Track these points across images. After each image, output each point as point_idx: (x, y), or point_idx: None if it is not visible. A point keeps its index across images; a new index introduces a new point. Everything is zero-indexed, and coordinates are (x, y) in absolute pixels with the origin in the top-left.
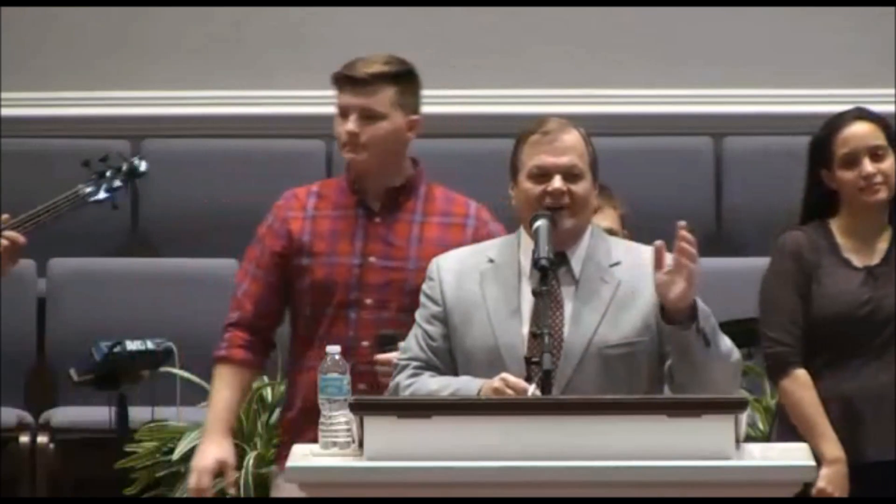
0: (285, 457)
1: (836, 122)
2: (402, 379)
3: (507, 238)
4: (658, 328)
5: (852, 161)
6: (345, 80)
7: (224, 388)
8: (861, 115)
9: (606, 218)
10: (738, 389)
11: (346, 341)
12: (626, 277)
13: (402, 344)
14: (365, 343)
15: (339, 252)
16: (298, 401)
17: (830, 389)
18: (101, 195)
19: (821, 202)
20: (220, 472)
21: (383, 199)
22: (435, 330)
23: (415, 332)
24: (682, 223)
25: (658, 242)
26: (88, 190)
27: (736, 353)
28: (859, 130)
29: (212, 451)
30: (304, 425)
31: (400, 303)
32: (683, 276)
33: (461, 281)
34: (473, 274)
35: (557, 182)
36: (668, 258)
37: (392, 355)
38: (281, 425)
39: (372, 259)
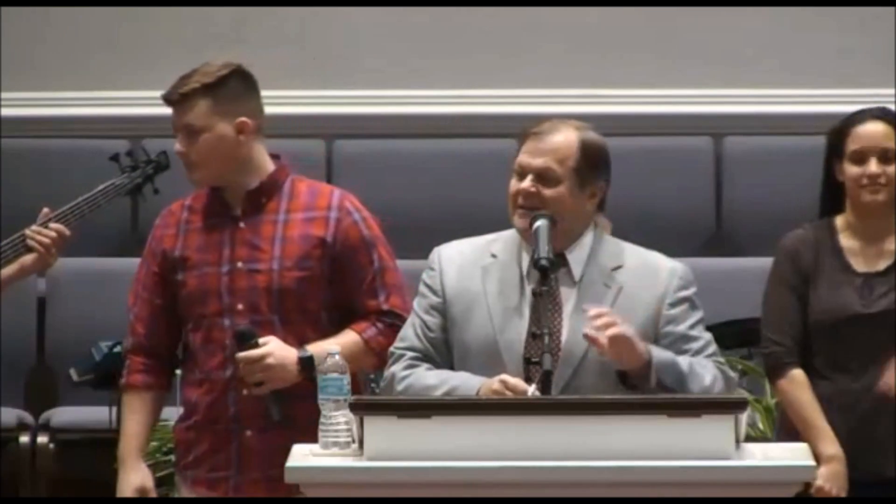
0: (185, 466)
1: (855, 117)
2: (397, 370)
3: (511, 233)
4: (656, 337)
5: (860, 158)
6: (166, 103)
7: (131, 415)
8: (881, 115)
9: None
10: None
11: (224, 350)
12: (630, 283)
13: (269, 338)
14: None
15: (209, 262)
16: (192, 413)
17: (830, 393)
18: (136, 183)
19: (833, 194)
20: (142, 496)
21: (244, 202)
22: (433, 321)
23: (412, 321)
24: (587, 312)
25: (586, 332)
26: (123, 182)
27: (717, 386)
28: (874, 130)
29: (130, 480)
30: (196, 436)
31: (269, 304)
32: (619, 343)
33: (463, 274)
34: (475, 268)
35: (525, 182)
36: (602, 338)
37: (253, 352)
38: (174, 433)
39: (239, 264)
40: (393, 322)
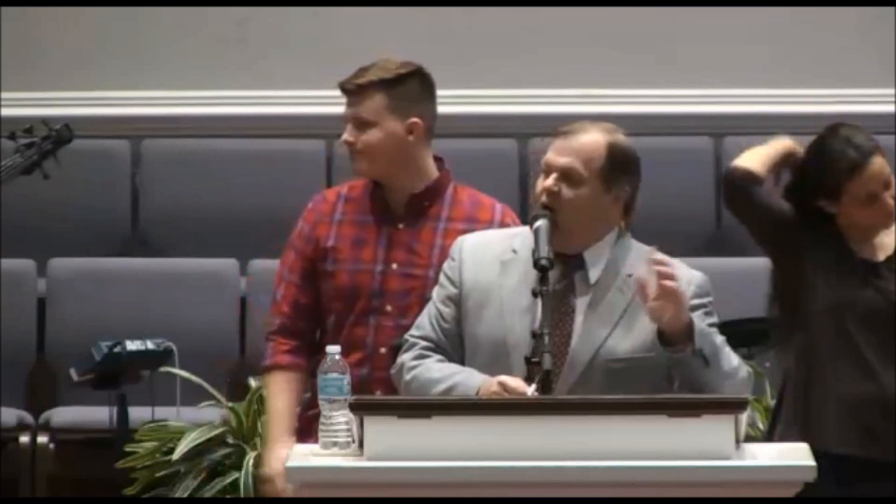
0: None
1: (850, 164)
2: (407, 359)
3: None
4: None
5: (874, 199)
6: (342, 91)
7: (278, 394)
8: (869, 150)
9: None
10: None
11: (365, 348)
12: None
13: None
14: (383, 350)
15: (362, 259)
16: (317, 403)
17: (834, 388)
18: (33, 160)
19: (818, 222)
20: None
21: (406, 205)
22: (448, 311)
23: (429, 309)
24: (649, 249)
25: (638, 274)
26: (16, 162)
27: (743, 371)
28: (877, 169)
29: (280, 454)
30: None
31: (420, 310)
32: (670, 298)
33: (481, 266)
34: (495, 262)
35: (550, 180)
36: (652, 285)
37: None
38: (298, 421)
39: (394, 266)
40: None
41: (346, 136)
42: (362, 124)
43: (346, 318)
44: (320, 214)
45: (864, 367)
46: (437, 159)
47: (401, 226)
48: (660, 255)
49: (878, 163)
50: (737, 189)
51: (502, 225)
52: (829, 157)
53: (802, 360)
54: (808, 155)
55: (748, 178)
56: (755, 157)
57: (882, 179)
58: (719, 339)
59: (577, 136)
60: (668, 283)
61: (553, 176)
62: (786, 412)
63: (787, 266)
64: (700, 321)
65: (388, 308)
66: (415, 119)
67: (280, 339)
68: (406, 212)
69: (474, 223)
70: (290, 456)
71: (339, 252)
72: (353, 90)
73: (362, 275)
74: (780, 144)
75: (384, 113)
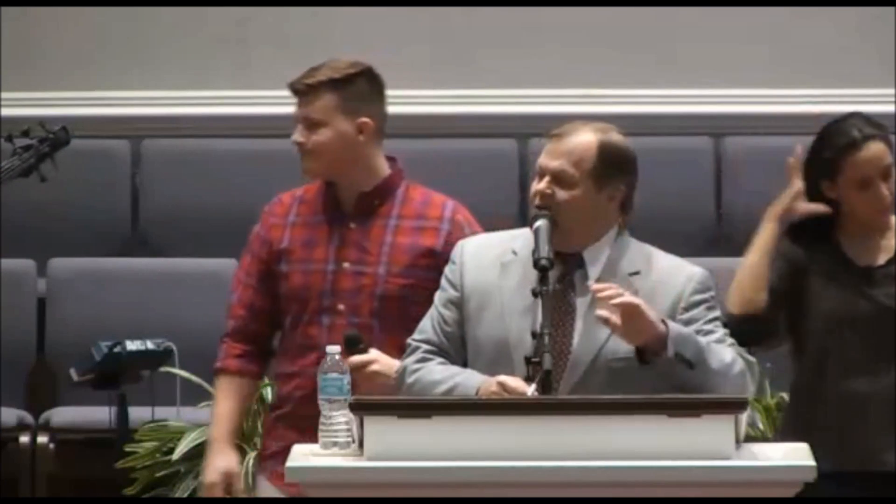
0: (266, 457)
1: (849, 140)
2: (409, 362)
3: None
4: None
5: (868, 184)
6: (292, 92)
7: (223, 400)
8: (873, 134)
9: None
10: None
11: (320, 348)
12: (646, 288)
13: (372, 350)
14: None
15: (314, 259)
16: (283, 403)
17: (837, 392)
18: (30, 164)
19: (817, 231)
20: (228, 483)
21: (356, 204)
22: (450, 315)
23: (431, 313)
24: (648, 247)
25: (599, 314)
26: (13, 165)
27: (738, 365)
28: (874, 152)
29: (217, 464)
30: (284, 428)
31: (371, 308)
32: (629, 315)
33: (482, 269)
34: (495, 264)
35: (542, 184)
36: (614, 316)
37: (361, 357)
38: (264, 426)
39: (346, 265)
40: None
41: (296, 136)
42: (312, 124)
43: (299, 319)
44: (275, 217)
45: (860, 376)
46: (390, 159)
47: (352, 225)
48: (595, 286)
49: (878, 148)
50: (747, 338)
51: (453, 221)
52: (831, 135)
53: (803, 367)
54: (818, 134)
55: (747, 324)
56: (742, 287)
57: (880, 166)
58: (714, 336)
59: (569, 138)
60: (619, 300)
61: (546, 179)
62: (792, 421)
63: (792, 293)
64: (677, 326)
65: (341, 307)
66: (365, 119)
67: (231, 343)
68: (356, 210)
69: (424, 220)
70: (228, 465)
71: (293, 253)
72: (303, 90)
73: (314, 275)
74: (766, 226)
75: (334, 113)
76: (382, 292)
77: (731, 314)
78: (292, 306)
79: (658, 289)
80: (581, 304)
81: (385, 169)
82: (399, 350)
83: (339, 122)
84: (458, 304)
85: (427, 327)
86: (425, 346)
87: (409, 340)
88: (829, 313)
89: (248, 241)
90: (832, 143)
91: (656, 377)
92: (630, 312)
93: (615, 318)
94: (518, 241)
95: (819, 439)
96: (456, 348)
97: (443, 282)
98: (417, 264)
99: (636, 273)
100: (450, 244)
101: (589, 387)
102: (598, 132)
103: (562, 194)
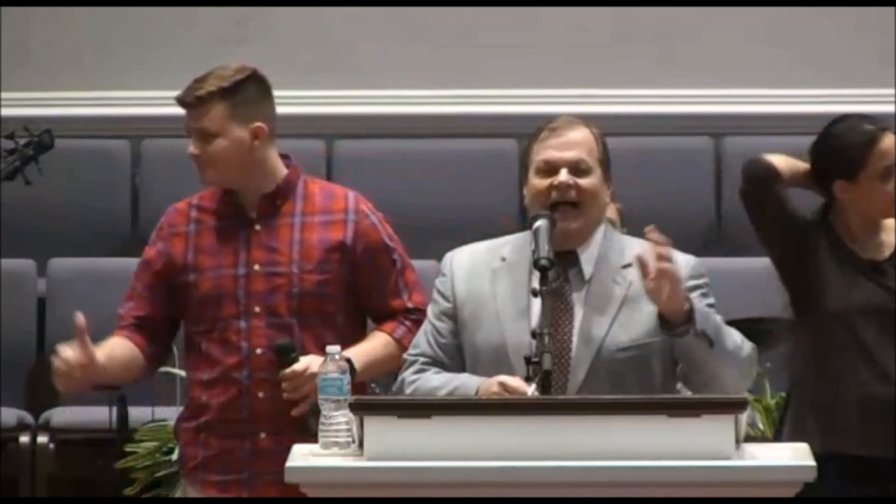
0: (193, 468)
1: (869, 135)
2: (407, 375)
3: (521, 236)
4: None
5: (889, 174)
6: (181, 105)
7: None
8: (883, 126)
9: (608, 211)
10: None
11: (240, 351)
12: (638, 278)
13: (302, 358)
14: (259, 351)
15: (223, 264)
16: (201, 413)
17: (848, 389)
18: (14, 167)
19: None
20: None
21: (259, 206)
22: (444, 326)
23: (425, 327)
24: (649, 227)
25: (638, 251)
26: None
27: (747, 347)
28: (890, 143)
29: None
30: (208, 437)
31: (289, 307)
32: (667, 278)
33: (472, 277)
34: (485, 271)
35: (563, 175)
36: (651, 264)
37: (297, 367)
38: (178, 433)
39: (257, 267)
40: (418, 318)
41: (191, 148)
42: (206, 136)
43: (216, 325)
44: (174, 227)
45: (876, 368)
46: (284, 157)
47: (257, 227)
48: (657, 235)
49: (892, 139)
50: (756, 181)
51: (358, 212)
52: (844, 136)
53: (812, 362)
54: (818, 144)
55: (769, 171)
56: (780, 158)
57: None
58: (719, 317)
59: (572, 131)
60: (664, 264)
61: (564, 171)
62: (796, 415)
63: (790, 268)
64: (699, 302)
65: (257, 309)
66: (258, 123)
67: (122, 329)
68: (260, 212)
69: (330, 214)
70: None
71: (200, 262)
72: (193, 103)
73: (225, 279)
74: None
75: (226, 122)
76: (299, 290)
77: (758, 157)
78: (206, 312)
79: None
80: (578, 300)
81: (282, 168)
82: (320, 347)
83: (233, 131)
84: (452, 315)
85: (421, 342)
86: (422, 360)
87: (404, 356)
88: (837, 306)
89: (145, 251)
90: (851, 143)
91: (661, 360)
92: (669, 277)
93: (652, 267)
94: (506, 248)
95: (833, 429)
96: (453, 358)
97: (434, 294)
98: (330, 259)
99: (628, 265)
100: (359, 235)
101: (595, 382)
102: (587, 125)
103: (585, 182)
